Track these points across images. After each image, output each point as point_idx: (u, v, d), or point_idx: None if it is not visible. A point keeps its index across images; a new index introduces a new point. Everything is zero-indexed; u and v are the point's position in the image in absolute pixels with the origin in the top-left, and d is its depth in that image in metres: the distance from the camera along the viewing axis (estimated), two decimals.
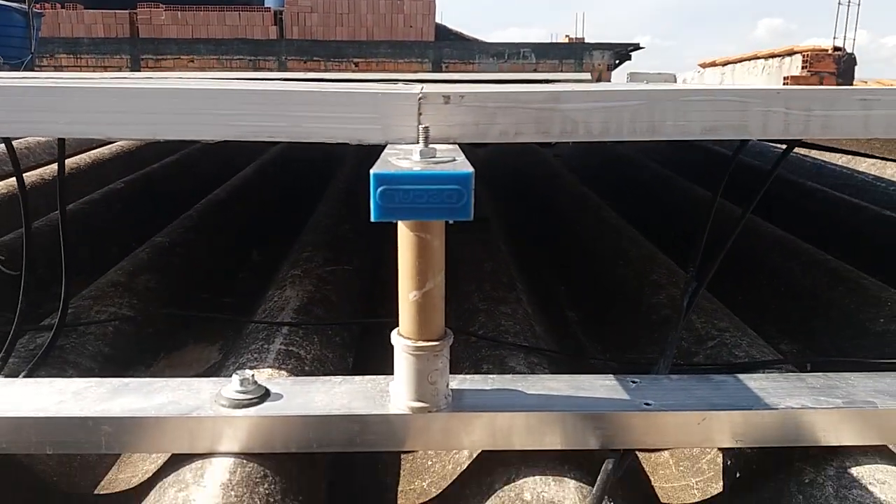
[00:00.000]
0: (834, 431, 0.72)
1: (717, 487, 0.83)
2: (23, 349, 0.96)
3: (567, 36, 20.11)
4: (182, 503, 0.64)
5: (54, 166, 2.23)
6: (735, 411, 0.71)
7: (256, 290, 1.35)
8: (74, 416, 0.69)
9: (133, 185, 1.95)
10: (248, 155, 2.61)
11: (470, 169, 0.58)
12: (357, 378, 0.77)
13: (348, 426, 0.70)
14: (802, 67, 9.04)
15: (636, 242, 1.51)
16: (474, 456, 0.80)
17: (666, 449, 0.88)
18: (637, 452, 0.91)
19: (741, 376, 0.78)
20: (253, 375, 0.72)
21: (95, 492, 0.81)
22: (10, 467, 0.76)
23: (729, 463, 0.84)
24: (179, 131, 0.77)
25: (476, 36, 18.10)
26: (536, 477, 0.71)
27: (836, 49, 9.04)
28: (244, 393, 0.71)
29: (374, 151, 0.72)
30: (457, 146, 0.75)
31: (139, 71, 14.42)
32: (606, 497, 0.69)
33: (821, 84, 8.79)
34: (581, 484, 0.70)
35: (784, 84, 9.02)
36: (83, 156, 2.44)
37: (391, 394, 0.72)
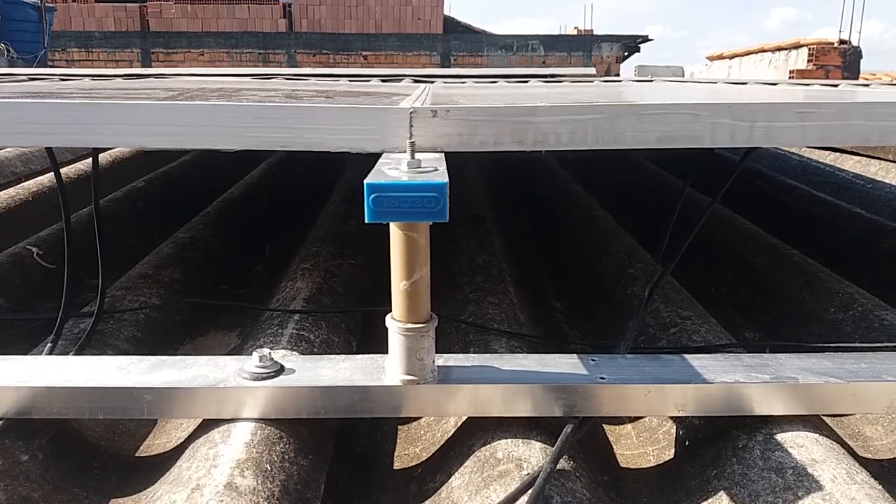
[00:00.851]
0: (763, 403, 0.85)
1: (670, 454, 0.95)
2: (68, 333, 1.10)
3: (576, 28, 20.05)
4: (213, 457, 0.78)
5: (78, 165, 2.38)
6: (677, 385, 0.84)
7: (270, 282, 1.48)
8: (121, 386, 0.83)
9: (153, 183, 2.09)
10: (258, 155, 2.75)
11: (445, 179, 0.71)
12: (358, 356, 0.90)
13: (350, 395, 0.83)
14: (808, 61, 9.06)
15: (619, 237, 1.63)
16: (459, 424, 0.94)
17: (618, 417, 1.01)
18: (604, 426, 1.04)
19: (687, 356, 0.90)
20: (270, 353, 0.86)
21: (136, 454, 0.95)
22: (67, 432, 0.90)
23: (681, 433, 0.97)
24: (203, 142, 0.90)
25: (486, 27, 18.09)
26: (508, 440, 0.84)
27: (841, 42, 9.05)
28: (262, 368, 0.85)
29: (375, 156, 0.85)
30: (442, 155, 0.88)
31: (150, 65, 14.56)
32: (566, 456, 0.82)
33: (826, 77, 8.81)
34: (545, 446, 0.83)
35: (789, 77, 9.05)
36: (103, 155, 2.59)
37: (386, 369, 0.85)
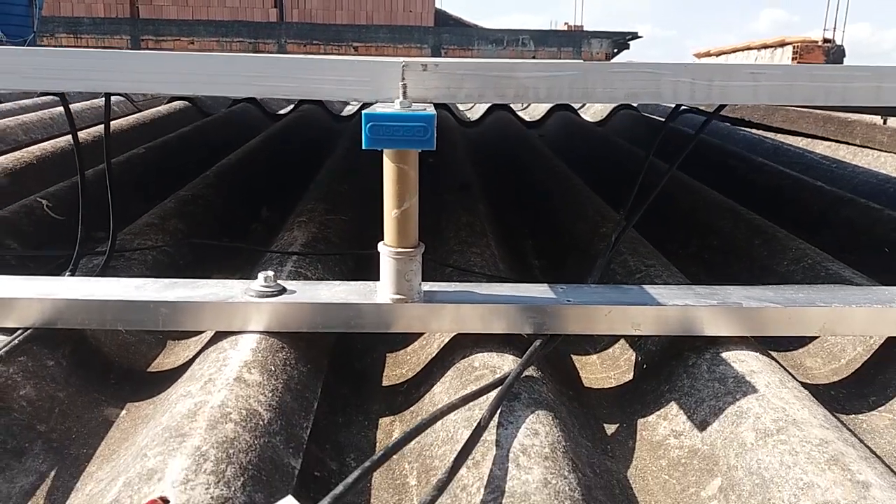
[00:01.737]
0: (710, 324, 0.96)
1: (629, 377, 1.07)
2: (83, 267, 1.20)
3: (566, 23, 20.17)
4: (223, 360, 0.88)
5: (80, 135, 2.45)
6: (634, 306, 0.95)
7: (267, 239, 1.58)
8: (138, 300, 0.93)
9: (152, 150, 2.17)
10: (251, 131, 2.83)
11: (434, 112, 0.81)
12: (352, 282, 1.00)
13: (345, 312, 0.94)
14: (792, 59, 9.24)
15: (594, 203, 1.74)
16: (441, 346, 1.04)
17: (582, 334, 1.11)
18: (571, 356, 1.15)
19: (645, 286, 1.01)
20: (274, 274, 0.96)
21: (148, 370, 1.04)
22: (86, 346, 0.99)
23: (640, 359, 1.08)
24: (213, 89, 0.99)
25: (478, 22, 18.17)
26: (485, 353, 0.94)
27: (825, 41, 9.23)
28: (267, 287, 0.95)
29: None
30: (431, 105, 0.98)
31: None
32: (535, 367, 0.93)
33: None
34: (517, 358, 0.93)
35: None
36: (101, 128, 2.66)
37: (377, 290, 0.95)
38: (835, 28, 9.29)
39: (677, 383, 0.96)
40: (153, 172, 2.07)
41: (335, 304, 0.93)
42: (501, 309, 0.94)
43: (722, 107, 1.18)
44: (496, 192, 2.14)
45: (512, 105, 3.99)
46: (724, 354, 0.95)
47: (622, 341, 1.14)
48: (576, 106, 4.08)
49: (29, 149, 2.10)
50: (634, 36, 16.87)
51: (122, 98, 3.64)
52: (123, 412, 0.93)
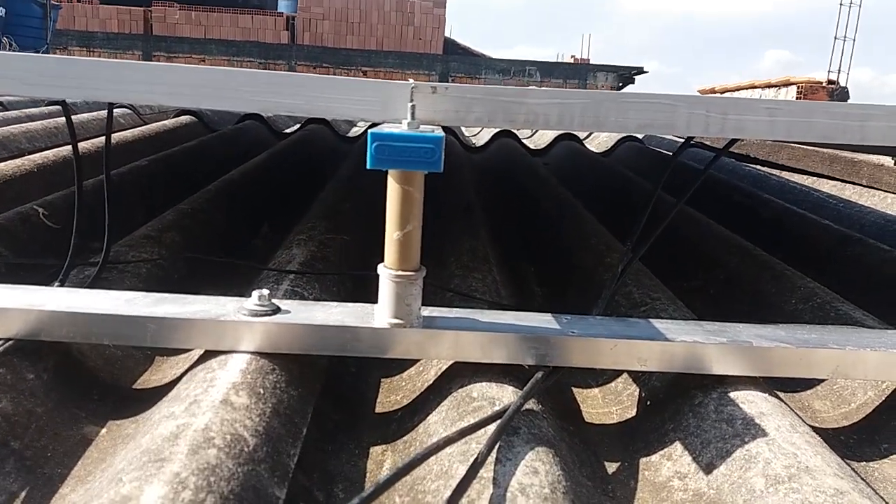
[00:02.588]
0: (718, 362, 0.93)
1: (632, 413, 1.03)
2: (74, 278, 1.16)
3: (573, 56, 20.39)
4: (210, 380, 0.84)
5: (83, 145, 2.44)
6: (640, 341, 0.91)
7: (266, 255, 1.55)
8: (127, 314, 0.89)
9: (156, 162, 2.16)
10: (257, 148, 2.82)
11: (442, 134, 0.78)
12: (349, 304, 0.97)
13: (341, 335, 0.90)
14: (797, 98, 9.31)
15: (599, 233, 1.72)
16: (439, 374, 1.00)
17: (586, 382, 1.08)
18: (573, 389, 1.12)
19: (652, 320, 0.98)
20: (269, 293, 0.93)
21: (133, 387, 1.01)
22: (70, 361, 0.96)
23: (643, 395, 1.04)
24: (219, 103, 0.97)
25: (485, 52, 18.37)
26: (484, 383, 0.91)
27: (830, 82, 9.31)
28: (261, 306, 0.91)
29: None
30: (439, 127, 0.96)
31: None
32: (536, 400, 0.89)
33: None
34: (517, 390, 0.90)
35: None
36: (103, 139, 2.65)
37: (375, 313, 0.92)
38: (839, 70, 9.37)
39: (682, 422, 0.92)
40: (155, 185, 2.05)
41: (331, 326, 0.90)
42: (503, 338, 0.91)
43: (732, 142, 1.16)
44: (500, 217, 2.11)
45: (517, 132, 3.99)
46: (732, 394, 0.92)
47: (625, 375, 1.10)
48: (581, 136, 4.08)
49: (30, 157, 2.09)
50: (640, 71, 17.04)
51: (128, 111, 3.64)
52: (104, 430, 0.89)
